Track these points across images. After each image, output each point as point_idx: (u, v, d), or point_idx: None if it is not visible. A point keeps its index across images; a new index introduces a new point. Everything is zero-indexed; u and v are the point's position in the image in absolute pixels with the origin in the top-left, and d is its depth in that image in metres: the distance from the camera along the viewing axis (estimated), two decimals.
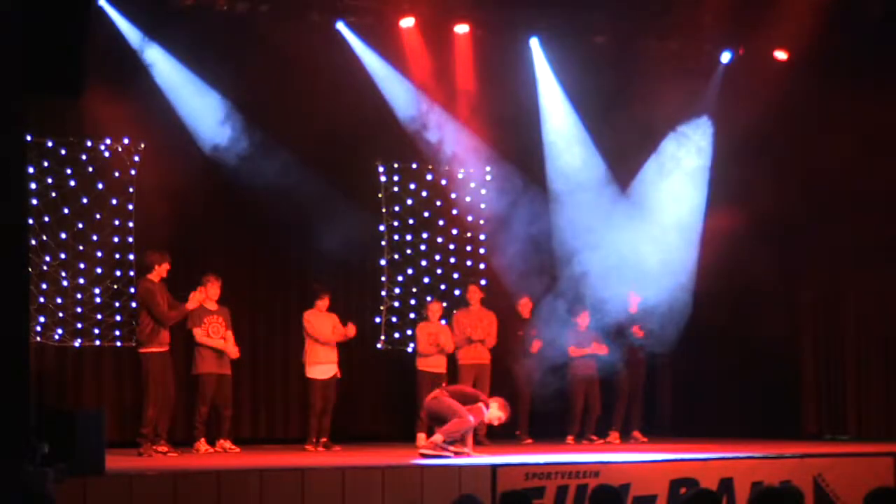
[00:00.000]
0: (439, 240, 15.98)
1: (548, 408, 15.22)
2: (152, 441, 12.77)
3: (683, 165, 15.98)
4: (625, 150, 15.82)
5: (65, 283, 13.99)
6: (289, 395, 14.87)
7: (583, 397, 15.18)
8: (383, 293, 15.62)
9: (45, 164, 13.96)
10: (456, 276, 15.88)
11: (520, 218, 15.59)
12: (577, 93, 15.86)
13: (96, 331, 14.07)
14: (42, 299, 13.80)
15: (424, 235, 15.91)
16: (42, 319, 13.78)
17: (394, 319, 15.60)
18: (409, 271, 15.79)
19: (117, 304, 14.06)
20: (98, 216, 14.17)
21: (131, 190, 14.30)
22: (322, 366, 13.95)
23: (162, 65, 14.31)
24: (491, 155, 15.98)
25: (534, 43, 15.75)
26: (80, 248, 14.08)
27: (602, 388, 15.35)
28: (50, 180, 13.99)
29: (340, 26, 15.02)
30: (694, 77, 15.86)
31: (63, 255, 14.00)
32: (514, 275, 15.55)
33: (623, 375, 15.38)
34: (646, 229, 15.56)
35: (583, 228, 15.48)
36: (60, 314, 13.93)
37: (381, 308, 15.59)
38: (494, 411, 12.93)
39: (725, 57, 15.97)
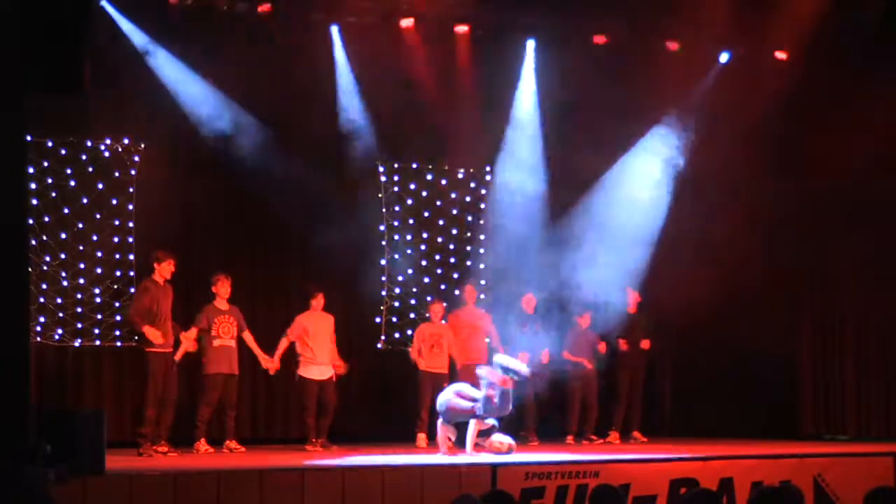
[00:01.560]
0: (439, 240, 15.99)
1: (548, 408, 15.26)
2: (152, 441, 12.75)
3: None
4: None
5: (65, 283, 13.98)
6: (289, 395, 14.84)
7: (580, 397, 15.18)
8: (383, 293, 15.62)
9: (45, 164, 13.96)
10: (456, 276, 15.88)
11: (514, 217, 15.72)
12: (569, 95, 15.79)
13: (96, 331, 14.06)
14: (42, 299, 13.80)
15: (424, 235, 15.91)
16: (42, 319, 13.78)
17: (394, 319, 15.60)
18: (409, 271, 15.79)
19: (117, 304, 14.06)
20: (98, 216, 14.16)
21: (131, 190, 14.30)
22: (317, 366, 13.96)
23: (162, 64, 14.30)
24: (490, 155, 16.03)
25: (531, 45, 15.75)
26: (80, 248, 14.08)
27: (602, 387, 15.36)
28: (50, 180, 13.98)
29: (339, 27, 15.01)
30: (691, 77, 15.89)
31: (63, 255, 14.00)
32: (511, 273, 15.65)
33: (623, 375, 15.39)
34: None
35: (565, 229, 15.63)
36: (60, 314, 13.92)
37: (381, 308, 15.58)
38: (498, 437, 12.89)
39: (724, 57, 15.96)
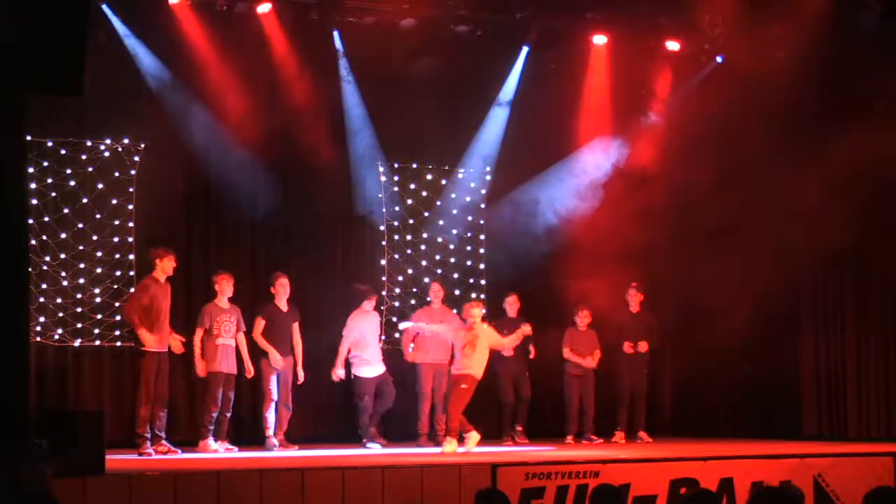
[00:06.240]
0: (439, 240, 15.98)
1: (546, 408, 15.28)
2: (150, 441, 12.76)
3: None
4: None
5: (65, 283, 13.99)
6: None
7: (577, 397, 15.17)
8: (383, 293, 15.61)
9: (45, 164, 13.96)
10: (456, 276, 15.88)
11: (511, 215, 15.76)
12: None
13: (96, 331, 14.06)
14: (42, 299, 13.80)
15: (424, 235, 15.91)
16: (42, 319, 13.78)
17: (394, 319, 15.59)
18: (410, 271, 15.79)
19: (117, 304, 14.05)
20: (98, 216, 14.17)
21: (131, 190, 14.30)
22: (370, 366, 14.16)
23: (161, 64, 14.29)
24: (489, 154, 16.06)
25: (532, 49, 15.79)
26: (80, 248, 14.08)
27: (604, 387, 15.34)
28: (50, 180, 13.99)
29: (339, 27, 15.01)
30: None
31: (63, 255, 14.00)
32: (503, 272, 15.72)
33: (624, 375, 15.38)
34: None
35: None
36: (60, 314, 13.93)
37: (382, 308, 15.58)
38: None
39: (719, 58, 15.97)
